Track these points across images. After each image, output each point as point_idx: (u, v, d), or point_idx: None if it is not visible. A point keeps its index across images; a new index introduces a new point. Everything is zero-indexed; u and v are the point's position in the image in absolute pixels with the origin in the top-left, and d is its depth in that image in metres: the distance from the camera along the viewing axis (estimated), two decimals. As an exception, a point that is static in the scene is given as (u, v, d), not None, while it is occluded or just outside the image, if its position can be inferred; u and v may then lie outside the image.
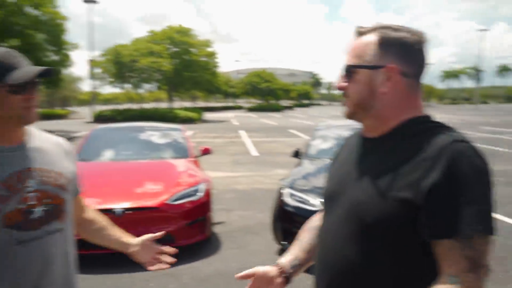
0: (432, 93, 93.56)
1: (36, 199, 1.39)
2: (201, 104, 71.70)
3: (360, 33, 1.23)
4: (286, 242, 4.44)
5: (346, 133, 6.10)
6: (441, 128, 1.14)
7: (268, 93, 63.93)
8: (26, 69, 1.37)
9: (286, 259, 1.44)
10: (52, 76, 1.50)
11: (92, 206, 4.37)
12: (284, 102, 78.67)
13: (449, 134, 1.09)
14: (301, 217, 4.29)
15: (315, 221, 1.50)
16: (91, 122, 29.24)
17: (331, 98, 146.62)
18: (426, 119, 1.19)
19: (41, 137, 1.52)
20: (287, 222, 4.41)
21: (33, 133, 1.49)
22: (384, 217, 1.09)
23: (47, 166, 1.46)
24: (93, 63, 33.24)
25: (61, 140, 1.61)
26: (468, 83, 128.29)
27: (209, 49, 37.76)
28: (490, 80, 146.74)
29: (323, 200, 1.39)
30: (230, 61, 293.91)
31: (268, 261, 4.42)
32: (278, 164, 11.18)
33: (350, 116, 1.26)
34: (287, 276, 1.39)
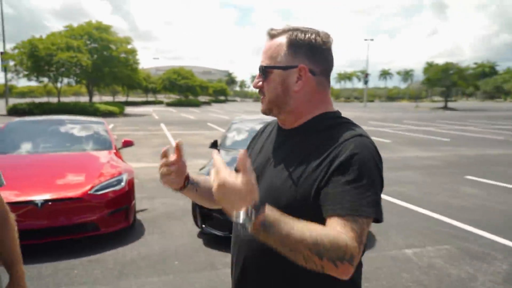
0: (331, 92, 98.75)
1: None
2: (121, 98, 68.34)
3: (272, 35, 1.23)
4: (205, 226, 4.45)
5: (258, 126, 6.18)
6: (347, 123, 1.21)
7: (187, 89, 62.82)
8: None
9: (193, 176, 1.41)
10: None
11: (9, 198, 4.02)
12: (202, 98, 77.93)
13: (355, 129, 1.16)
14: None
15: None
16: (4, 115, 26.42)
17: (244, 95, 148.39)
18: (335, 115, 1.25)
19: None
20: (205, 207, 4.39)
21: None
22: (296, 201, 1.12)
23: None
24: (5, 56, 29.96)
25: None
26: (358, 84, 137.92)
27: (129, 46, 36.05)
28: (374, 82, 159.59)
29: None
30: (149, 59, 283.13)
31: (188, 243, 4.43)
32: (198, 155, 11.09)
33: (267, 112, 1.27)
34: (187, 180, 1.37)
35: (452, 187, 7.14)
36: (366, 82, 64.32)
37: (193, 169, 8.89)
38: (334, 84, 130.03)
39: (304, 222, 0.99)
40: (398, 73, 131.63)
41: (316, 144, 1.16)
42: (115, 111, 29.45)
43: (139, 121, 25.18)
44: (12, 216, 1.56)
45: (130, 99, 69.10)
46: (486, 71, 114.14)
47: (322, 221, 1.05)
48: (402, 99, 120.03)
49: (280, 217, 0.97)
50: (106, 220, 4.34)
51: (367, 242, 1.08)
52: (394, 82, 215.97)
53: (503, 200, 6.30)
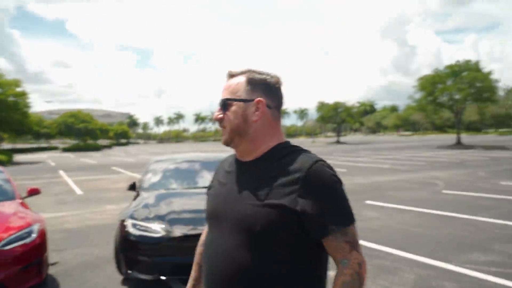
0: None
1: None
2: (6, 146, 61.51)
3: (231, 75, 1.38)
4: (132, 271, 4.20)
5: (172, 166, 6.11)
6: (301, 150, 1.34)
7: (86, 133, 59.08)
8: None
9: (195, 273, 1.52)
10: None
11: None
12: (102, 142, 73.75)
13: (309, 155, 1.30)
14: (146, 244, 4.15)
15: (200, 246, 1.57)
16: None
17: (147, 137, 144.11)
18: (288, 144, 1.38)
19: None
20: (132, 251, 4.17)
21: None
22: (268, 224, 1.21)
23: None
24: None
25: None
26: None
27: (19, 89, 33.05)
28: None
29: (207, 218, 1.44)
30: (41, 102, 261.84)
31: (113, 292, 4.12)
32: (106, 200, 10.43)
33: (228, 142, 1.37)
34: None
35: (355, 212, 7.76)
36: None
37: (103, 215, 8.36)
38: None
39: None
40: (295, 112, 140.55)
41: (277, 171, 1.27)
42: (3, 160, 26.38)
43: (33, 169, 22.90)
44: None
45: (19, 145, 62.60)
46: (368, 109, 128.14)
47: (298, 239, 1.22)
48: (299, 136, 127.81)
49: None
50: (16, 278, 3.88)
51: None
52: (291, 121, 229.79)
53: (400, 220, 7.06)
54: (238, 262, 1.23)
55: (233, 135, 1.34)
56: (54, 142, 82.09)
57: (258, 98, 1.32)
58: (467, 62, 33.60)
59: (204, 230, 1.56)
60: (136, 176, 15.86)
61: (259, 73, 1.37)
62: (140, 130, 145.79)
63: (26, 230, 4.17)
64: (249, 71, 1.37)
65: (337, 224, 1.20)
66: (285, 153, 1.32)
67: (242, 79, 1.35)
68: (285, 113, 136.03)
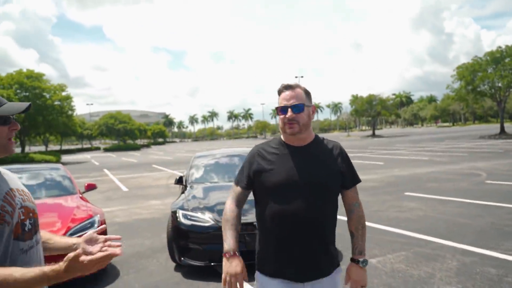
0: (267, 127, 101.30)
1: (24, 214, 1.42)
2: (53, 147, 64.77)
3: (291, 87, 1.88)
4: (184, 258, 4.50)
5: (213, 161, 6.34)
6: (325, 138, 2.00)
7: (125, 133, 61.18)
8: (12, 104, 1.40)
9: (235, 244, 1.80)
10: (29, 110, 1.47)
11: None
12: (141, 141, 76.13)
13: (333, 141, 1.98)
14: (196, 233, 4.44)
15: (233, 211, 1.91)
16: None
17: (183, 136, 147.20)
18: (319, 136, 1.99)
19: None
20: (183, 239, 4.48)
21: None
22: (333, 180, 1.88)
23: (19, 187, 1.50)
24: None
25: (7, 169, 1.57)
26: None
27: (64, 93, 34.79)
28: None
29: (273, 187, 1.84)
30: (82, 105, 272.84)
31: (168, 278, 4.49)
32: (150, 196, 10.94)
33: (297, 132, 1.85)
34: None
35: (395, 204, 7.80)
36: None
37: (149, 210, 8.81)
38: (270, 119, 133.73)
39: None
40: (328, 106, 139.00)
41: (326, 150, 1.94)
42: (52, 160, 27.90)
43: (80, 168, 24.11)
44: None
45: (64, 147, 65.73)
46: (404, 101, 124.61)
47: (338, 191, 1.94)
48: (334, 130, 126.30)
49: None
50: (82, 263, 4.26)
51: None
52: (325, 115, 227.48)
53: (441, 210, 7.02)
54: (320, 208, 1.81)
55: (302, 128, 1.86)
56: (96, 143, 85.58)
57: (313, 105, 1.94)
58: (509, 47, 32.05)
59: (229, 201, 1.96)
60: (176, 173, 16.41)
61: (305, 87, 1.94)
62: (175, 129, 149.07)
63: (89, 221, 4.57)
64: (300, 85, 1.92)
65: (354, 182, 1.97)
66: (322, 139, 1.98)
67: (300, 90, 1.88)
68: (318, 107, 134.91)
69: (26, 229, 1.41)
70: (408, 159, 17.44)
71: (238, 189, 1.96)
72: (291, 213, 1.79)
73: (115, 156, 38.62)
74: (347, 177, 1.90)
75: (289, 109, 1.83)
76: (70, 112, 35.50)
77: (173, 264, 4.82)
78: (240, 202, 1.95)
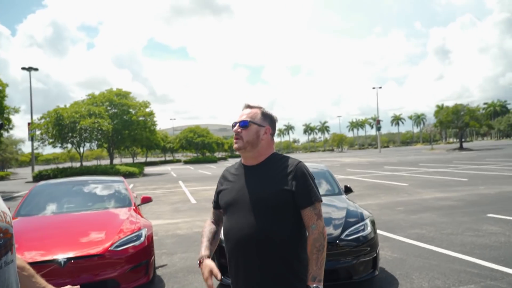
0: (344, 141, 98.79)
1: None
2: (140, 159, 69.66)
3: (250, 106, 2.02)
4: (224, 277, 4.37)
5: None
6: (287, 156, 1.99)
7: (203, 146, 63.81)
8: None
9: (205, 251, 1.96)
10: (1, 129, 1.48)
11: (34, 258, 4.06)
12: (219, 154, 78.80)
13: (293, 159, 1.96)
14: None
15: (208, 226, 2.13)
16: (31, 182, 27.14)
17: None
18: (279, 153, 2.02)
19: None
20: (224, 258, 4.34)
21: None
22: (279, 200, 1.84)
23: None
24: (32, 126, 31.30)
25: None
26: (371, 131, 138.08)
27: (147, 109, 37.39)
28: (387, 128, 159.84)
29: (226, 207, 1.96)
30: (166, 119, 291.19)
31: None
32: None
33: (241, 148, 1.94)
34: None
35: (473, 226, 6.92)
36: (378, 129, 64.45)
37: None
38: (347, 132, 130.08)
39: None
40: (410, 117, 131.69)
41: (277, 169, 1.92)
42: (135, 172, 29.94)
43: (158, 179, 25.48)
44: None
45: (149, 159, 70.43)
46: (498, 110, 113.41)
47: (295, 210, 1.85)
48: (416, 143, 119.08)
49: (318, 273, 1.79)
50: (126, 276, 4.32)
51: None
52: (406, 127, 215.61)
53: (528, 236, 6.06)
54: (261, 226, 1.81)
55: (247, 145, 1.93)
56: (178, 155, 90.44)
57: (267, 126, 1.99)
58: None
59: (208, 219, 2.17)
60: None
61: (267, 111, 2.03)
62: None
63: (136, 234, 4.66)
64: (261, 107, 2.03)
65: (309, 201, 1.85)
66: (279, 158, 1.98)
67: (257, 110, 2.00)
68: (399, 119, 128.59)
69: None
70: (498, 175, 15.64)
71: (212, 209, 2.18)
72: (236, 231, 1.86)
73: (192, 169, 40.31)
74: (299, 196, 1.84)
75: (237, 124, 1.96)
76: (152, 127, 37.94)
77: (217, 283, 4.71)
78: (216, 220, 2.15)
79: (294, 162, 1.92)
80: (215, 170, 35.26)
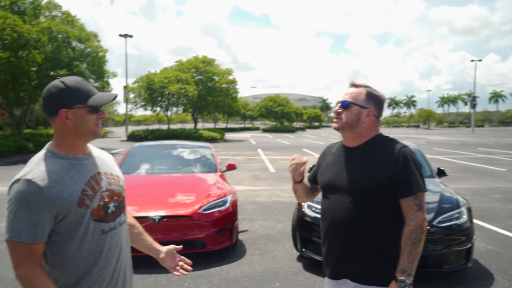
0: (432, 117, 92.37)
1: (108, 197, 1.50)
2: (221, 125, 72.22)
3: (355, 85, 1.88)
4: (305, 250, 4.41)
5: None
6: (392, 140, 1.85)
7: (282, 115, 64.05)
8: (102, 94, 1.48)
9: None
10: (115, 100, 1.59)
11: (130, 213, 4.47)
12: (297, 124, 78.61)
13: (399, 143, 1.82)
14: (319, 226, 4.27)
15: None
16: (125, 141, 29.68)
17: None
18: (384, 135, 1.88)
19: (95, 149, 1.62)
20: (306, 231, 4.38)
21: (89, 146, 1.58)
22: (376, 187, 1.74)
23: (109, 170, 1.58)
24: (127, 89, 33.82)
25: (106, 152, 1.71)
26: (464, 108, 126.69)
27: (230, 77, 38.20)
28: (483, 105, 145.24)
29: (322, 186, 1.95)
30: (247, 87, 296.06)
31: (288, 266, 4.44)
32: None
33: (340, 129, 1.87)
34: (303, 179, 2.03)
35: None
36: (473, 106, 59.08)
37: (289, 194, 8.95)
38: (436, 108, 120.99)
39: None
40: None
41: (378, 154, 1.79)
42: (217, 137, 31.18)
43: (238, 146, 26.26)
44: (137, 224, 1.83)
45: (229, 125, 72.63)
46: None
47: (394, 198, 1.74)
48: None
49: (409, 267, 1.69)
50: (212, 238, 4.57)
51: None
52: (507, 106, 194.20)
53: None
54: (356, 211, 1.76)
55: (345, 126, 1.84)
56: (257, 123, 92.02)
57: (371, 108, 1.83)
58: None
59: None
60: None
61: (375, 90, 1.87)
62: (332, 114, 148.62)
63: (222, 199, 4.86)
64: (368, 86, 1.87)
65: (410, 190, 1.71)
66: (382, 141, 1.85)
67: (362, 90, 1.85)
68: (499, 96, 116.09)
69: (109, 211, 1.49)
70: None
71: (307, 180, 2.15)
72: (332, 213, 1.85)
73: (271, 137, 40.82)
74: (399, 185, 1.72)
75: (338, 104, 1.88)
76: (234, 94, 38.81)
77: (296, 254, 4.78)
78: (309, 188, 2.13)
79: (398, 147, 1.77)
80: (293, 140, 35.32)
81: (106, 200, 1.49)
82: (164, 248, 1.77)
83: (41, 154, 1.46)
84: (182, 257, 1.79)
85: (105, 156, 1.64)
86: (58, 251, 1.40)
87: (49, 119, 1.49)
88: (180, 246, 1.82)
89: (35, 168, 1.39)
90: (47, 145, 1.51)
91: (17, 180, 1.35)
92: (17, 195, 1.32)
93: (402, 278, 1.67)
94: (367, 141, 1.84)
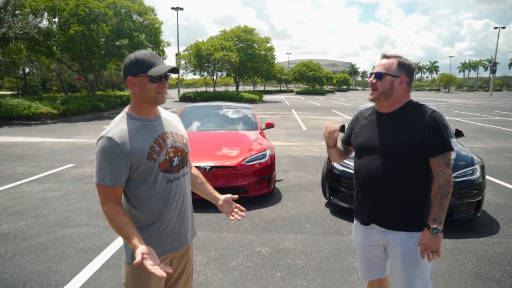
0: (452, 81, 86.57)
1: (173, 153, 1.59)
2: (259, 87, 71.51)
3: (387, 57, 1.80)
4: (333, 198, 4.48)
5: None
6: (422, 105, 1.79)
7: (314, 79, 62.32)
8: (162, 66, 1.51)
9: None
10: (176, 72, 1.61)
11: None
12: (327, 88, 76.42)
13: (429, 108, 1.76)
14: (346, 178, 4.29)
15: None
16: (178, 101, 30.25)
17: (365, 85, 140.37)
18: (415, 102, 1.81)
19: (164, 112, 1.69)
20: (334, 182, 4.42)
21: (159, 109, 1.65)
22: (407, 149, 1.71)
23: (174, 130, 1.65)
24: (179, 57, 33.92)
25: (174, 114, 1.78)
26: (484, 74, 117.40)
27: (268, 45, 37.24)
28: (504, 71, 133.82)
29: (356, 147, 1.92)
30: (283, 54, 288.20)
31: (318, 211, 4.53)
32: (323, 137, 11.06)
33: (375, 99, 1.80)
34: (336, 143, 2.02)
35: None
36: (494, 71, 54.67)
37: (319, 149, 8.95)
38: (457, 73, 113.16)
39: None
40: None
41: (411, 118, 1.74)
42: (255, 98, 31.02)
43: (274, 107, 26.09)
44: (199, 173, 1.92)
45: (267, 88, 71.79)
46: None
47: (424, 157, 1.71)
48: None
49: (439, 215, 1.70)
50: (254, 186, 4.72)
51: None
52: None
53: None
54: (388, 171, 1.76)
55: (380, 96, 1.78)
56: (291, 86, 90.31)
57: (403, 77, 1.76)
58: None
59: None
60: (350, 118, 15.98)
61: (406, 59, 1.79)
62: (359, 78, 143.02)
63: (262, 153, 4.95)
64: (399, 56, 1.79)
65: (439, 150, 1.69)
66: (414, 106, 1.79)
67: (394, 61, 1.77)
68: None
69: (174, 164, 1.58)
70: None
71: (340, 142, 2.11)
72: (365, 170, 1.84)
73: (303, 99, 40.11)
74: (430, 145, 1.70)
75: (372, 76, 1.81)
76: (272, 61, 37.99)
77: (325, 201, 4.86)
78: (342, 149, 2.11)
79: (429, 111, 1.73)
80: (323, 101, 34.56)
81: (171, 155, 1.57)
82: (222, 196, 1.84)
83: (120, 115, 1.55)
84: (237, 204, 1.86)
85: (172, 118, 1.71)
86: (134, 194, 1.52)
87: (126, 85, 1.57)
88: (236, 196, 1.88)
89: (115, 127, 1.49)
90: (126, 108, 1.59)
91: (101, 137, 1.46)
92: (101, 149, 1.44)
93: (434, 226, 1.68)
94: (400, 107, 1.78)
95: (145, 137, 1.51)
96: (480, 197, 3.91)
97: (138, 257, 1.28)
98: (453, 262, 3.23)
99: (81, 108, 17.59)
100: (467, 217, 3.89)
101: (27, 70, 28.52)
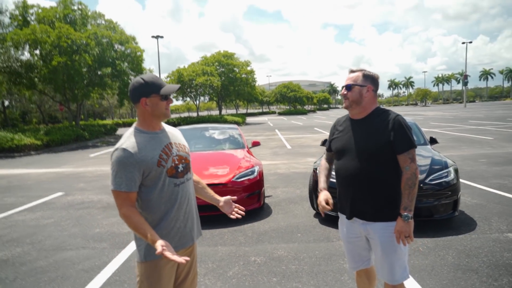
0: (428, 95, 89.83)
1: (177, 160, 1.79)
2: (242, 110, 72.28)
3: (353, 71, 2.11)
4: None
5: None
6: (388, 111, 2.05)
7: (295, 100, 63.63)
8: (169, 86, 1.74)
9: (324, 184, 2.24)
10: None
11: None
12: (308, 107, 77.90)
13: (393, 112, 2.03)
14: (332, 188, 4.52)
15: (324, 164, 2.38)
16: (162, 127, 30.27)
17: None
18: (382, 108, 2.08)
19: (167, 126, 1.91)
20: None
21: (162, 124, 1.87)
22: (378, 149, 1.97)
23: (177, 141, 1.87)
24: (161, 83, 34.21)
25: (175, 128, 2.00)
26: (457, 87, 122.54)
27: (249, 68, 38.11)
28: (475, 83, 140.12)
29: (335, 151, 2.17)
30: (263, 76, 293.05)
31: (307, 221, 4.75)
32: (307, 154, 11.37)
33: (348, 107, 2.08)
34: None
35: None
36: (465, 84, 57.17)
37: (304, 165, 9.22)
38: (432, 87, 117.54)
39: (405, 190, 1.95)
40: (501, 72, 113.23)
41: (379, 123, 2.01)
42: (239, 121, 31.45)
43: (258, 128, 26.47)
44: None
45: (249, 110, 72.60)
46: None
47: (393, 155, 1.97)
48: (506, 98, 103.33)
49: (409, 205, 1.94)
50: (244, 201, 4.89)
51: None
52: (496, 82, 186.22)
53: None
54: (364, 169, 2.00)
55: (352, 104, 2.06)
56: (273, 108, 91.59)
57: (368, 85, 2.05)
58: None
59: (323, 159, 2.42)
60: (332, 135, 16.38)
61: (369, 71, 2.09)
62: (338, 97, 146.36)
63: (250, 169, 5.16)
64: (363, 70, 2.09)
65: (404, 148, 1.95)
66: (380, 112, 2.06)
67: (359, 73, 2.07)
68: (488, 73, 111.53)
69: (179, 170, 1.78)
70: None
71: (326, 151, 2.40)
72: (344, 171, 2.09)
73: (286, 119, 40.79)
74: (396, 144, 1.96)
75: (344, 88, 2.09)
76: (253, 83, 38.78)
77: (313, 212, 5.07)
78: (329, 159, 2.37)
79: (393, 116, 2.00)
80: (305, 120, 35.25)
81: (177, 162, 1.77)
82: (222, 198, 2.06)
83: (130, 131, 1.76)
84: (237, 205, 2.09)
85: (174, 131, 1.93)
86: (145, 197, 1.71)
87: (134, 106, 1.78)
88: (235, 197, 2.11)
89: (127, 140, 1.69)
90: (134, 124, 1.80)
91: (116, 149, 1.66)
92: (116, 159, 1.64)
93: (405, 213, 1.91)
94: (369, 113, 2.05)
95: (154, 147, 1.71)
96: (456, 197, 4.22)
97: (159, 249, 1.47)
98: (435, 257, 3.47)
99: (65, 138, 17.49)
100: (446, 216, 4.17)
101: (6, 103, 28.21)
